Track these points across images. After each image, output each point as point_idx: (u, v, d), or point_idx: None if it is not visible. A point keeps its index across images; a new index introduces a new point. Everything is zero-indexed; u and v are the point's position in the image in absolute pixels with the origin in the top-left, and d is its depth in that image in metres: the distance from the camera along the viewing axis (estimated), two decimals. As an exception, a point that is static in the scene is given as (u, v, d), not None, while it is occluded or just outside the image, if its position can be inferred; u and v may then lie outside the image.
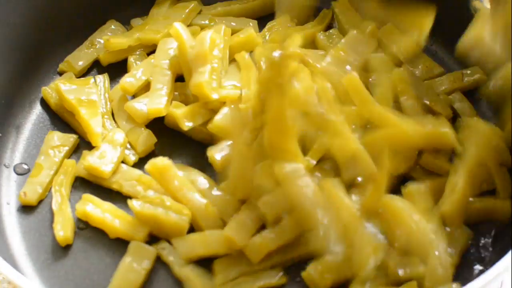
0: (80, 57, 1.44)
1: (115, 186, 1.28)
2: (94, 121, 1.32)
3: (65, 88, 1.36)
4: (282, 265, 1.17)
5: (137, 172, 1.29)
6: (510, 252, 1.04)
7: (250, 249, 1.16)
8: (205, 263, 1.19)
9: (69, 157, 1.33)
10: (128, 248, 1.19)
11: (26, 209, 1.28)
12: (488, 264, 1.17)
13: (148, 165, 1.24)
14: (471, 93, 1.36)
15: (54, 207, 1.25)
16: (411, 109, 1.29)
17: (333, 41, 1.42)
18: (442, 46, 1.44)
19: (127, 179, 1.28)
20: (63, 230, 1.23)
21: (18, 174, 1.33)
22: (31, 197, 1.28)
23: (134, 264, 1.18)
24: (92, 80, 1.40)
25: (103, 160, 1.28)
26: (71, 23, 1.46)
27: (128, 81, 1.36)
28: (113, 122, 1.36)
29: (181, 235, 1.20)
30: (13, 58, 1.37)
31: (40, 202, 1.29)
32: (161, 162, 1.24)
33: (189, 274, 1.18)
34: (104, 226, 1.23)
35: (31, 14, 1.39)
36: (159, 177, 1.24)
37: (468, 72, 1.37)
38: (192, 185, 1.24)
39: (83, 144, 1.34)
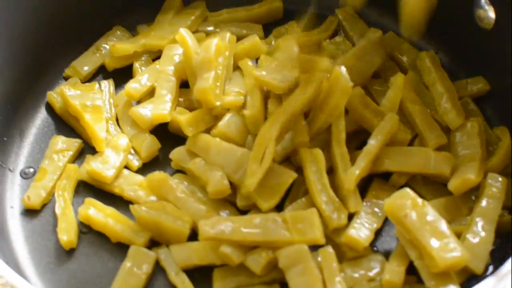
0: (86, 63, 1.45)
1: (116, 191, 1.28)
2: (98, 127, 1.33)
3: (70, 93, 1.36)
4: (279, 281, 1.17)
5: (138, 177, 1.30)
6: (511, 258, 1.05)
7: (250, 261, 1.16)
8: (203, 270, 1.19)
9: (73, 162, 1.34)
10: (128, 253, 1.19)
11: (29, 213, 1.29)
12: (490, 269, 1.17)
13: (145, 181, 1.25)
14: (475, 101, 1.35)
15: (57, 211, 1.26)
16: (419, 114, 1.30)
17: (340, 49, 1.42)
18: (447, 54, 1.43)
19: (129, 184, 1.29)
20: (67, 234, 1.23)
21: (23, 178, 1.33)
22: (35, 201, 1.28)
23: (134, 268, 1.18)
24: (97, 85, 1.40)
25: (105, 165, 1.29)
26: (77, 29, 1.46)
27: (133, 86, 1.37)
28: (118, 127, 1.37)
29: (182, 242, 1.21)
30: (19, 63, 1.38)
31: (43, 206, 1.29)
32: (157, 176, 1.25)
33: (184, 281, 1.18)
34: (106, 230, 1.24)
35: (37, 19, 1.39)
36: (158, 191, 1.25)
37: (473, 81, 1.37)
38: (191, 194, 1.25)
39: (88, 149, 1.35)
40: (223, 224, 1.16)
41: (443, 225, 1.13)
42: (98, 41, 1.47)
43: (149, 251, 1.20)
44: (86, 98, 1.36)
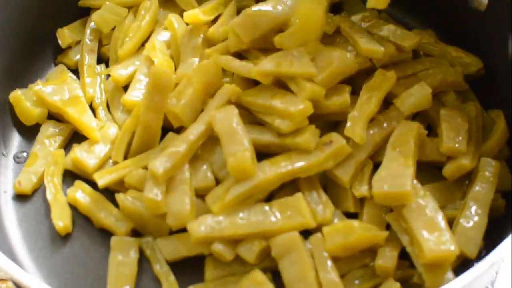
0: (77, 51, 1.44)
1: (99, 181, 1.28)
2: (86, 117, 1.32)
3: (46, 91, 1.34)
4: (272, 269, 1.16)
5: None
6: (507, 240, 1.04)
7: (244, 251, 1.15)
8: (193, 258, 1.19)
9: (65, 146, 1.33)
10: (111, 245, 1.19)
11: (22, 197, 1.29)
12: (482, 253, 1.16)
13: (127, 178, 1.23)
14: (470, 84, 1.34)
15: (48, 197, 1.26)
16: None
17: None
18: (440, 36, 1.40)
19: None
20: (62, 220, 1.23)
21: (16, 162, 1.33)
22: (26, 186, 1.28)
23: (123, 258, 1.18)
24: (70, 73, 1.40)
25: (90, 154, 1.28)
26: (68, 13, 1.47)
27: (119, 72, 1.36)
28: (108, 113, 1.36)
29: (164, 234, 1.20)
30: (11, 48, 1.37)
31: (36, 190, 1.29)
32: (139, 173, 1.24)
33: (167, 274, 1.18)
34: (90, 214, 1.24)
35: (28, 4, 1.38)
36: (139, 186, 1.23)
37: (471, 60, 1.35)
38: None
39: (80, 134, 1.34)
40: (212, 222, 1.15)
41: (439, 217, 1.12)
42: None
43: (130, 238, 1.20)
44: (63, 91, 1.35)
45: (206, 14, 1.37)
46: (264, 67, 1.23)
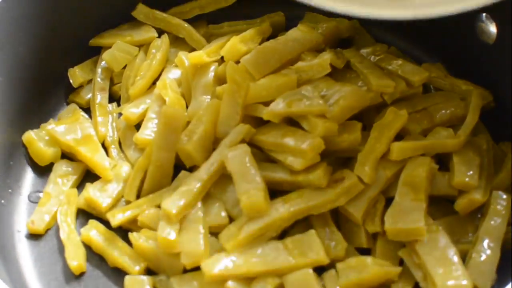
0: (89, 90, 1.46)
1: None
2: (98, 156, 1.33)
3: (59, 130, 1.36)
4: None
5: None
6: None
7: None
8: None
9: (78, 185, 1.34)
10: (125, 284, 1.20)
11: (36, 236, 1.29)
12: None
13: (140, 218, 1.24)
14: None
15: (62, 236, 1.26)
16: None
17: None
18: (449, 68, 1.40)
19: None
20: (76, 260, 1.24)
21: (30, 202, 1.34)
22: (39, 226, 1.28)
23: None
24: (81, 112, 1.41)
25: (103, 193, 1.29)
26: (80, 52, 1.48)
27: (130, 111, 1.37)
28: (120, 151, 1.37)
29: (178, 272, 1.20)
30: (24, 87, 1.38)
31: (48, 229, 1.30)
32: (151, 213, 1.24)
33: None
34: (104, 254, 1.24)
35: (40, 45, 1.40)
36: (153, 226, 1.23)
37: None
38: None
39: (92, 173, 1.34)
40: (226, 260, 1.15)
41: (452, 252, 1.13)
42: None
43: (144, 277, 1.20)
44: (76, 130, 1.36)
45: (211, 55, 1.38)
46: (275, 108, 1.24)
